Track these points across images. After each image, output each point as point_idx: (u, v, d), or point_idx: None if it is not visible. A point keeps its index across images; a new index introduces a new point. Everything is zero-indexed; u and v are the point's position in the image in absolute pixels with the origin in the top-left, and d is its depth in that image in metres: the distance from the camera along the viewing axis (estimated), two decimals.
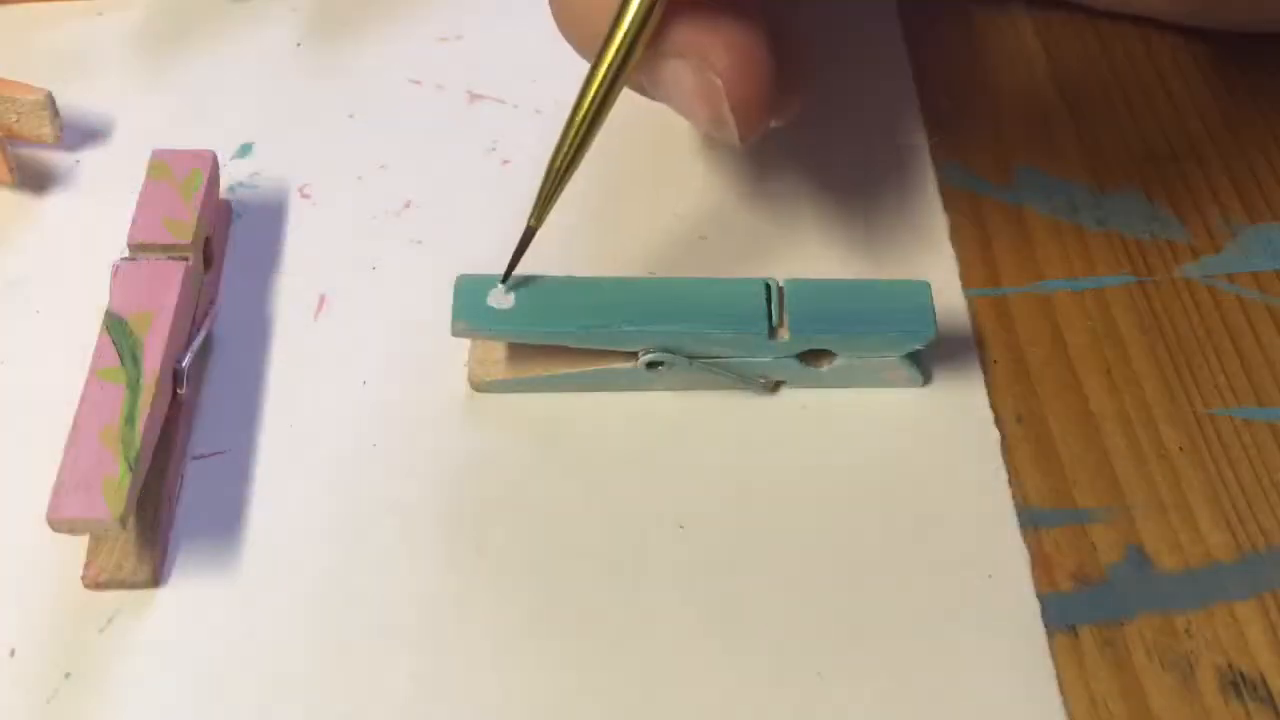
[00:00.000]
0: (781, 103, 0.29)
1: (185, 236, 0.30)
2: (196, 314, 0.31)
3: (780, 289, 0.30)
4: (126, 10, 0.40)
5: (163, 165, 0.32)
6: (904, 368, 0.31)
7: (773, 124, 0.29)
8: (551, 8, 0.30)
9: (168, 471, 0.29)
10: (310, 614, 0.28)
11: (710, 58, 0.27)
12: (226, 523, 0.29)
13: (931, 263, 0.34)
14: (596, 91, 0.28)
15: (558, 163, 0.29)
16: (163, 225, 0.30)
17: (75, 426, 0.27)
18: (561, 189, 0.29)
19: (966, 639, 0.27)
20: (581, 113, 0.28)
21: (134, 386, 0.27)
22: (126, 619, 0.27)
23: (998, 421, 0.31)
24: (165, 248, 0.30)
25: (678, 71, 0.28)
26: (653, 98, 0.30)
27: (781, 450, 0.30)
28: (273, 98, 0.38)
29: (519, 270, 0.30)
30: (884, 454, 0.30)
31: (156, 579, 0.28)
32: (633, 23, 0.27)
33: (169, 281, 0.29)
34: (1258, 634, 0.28)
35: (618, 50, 0.27)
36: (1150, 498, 0.30)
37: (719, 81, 0.27)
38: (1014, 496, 0.30)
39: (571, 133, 0.28)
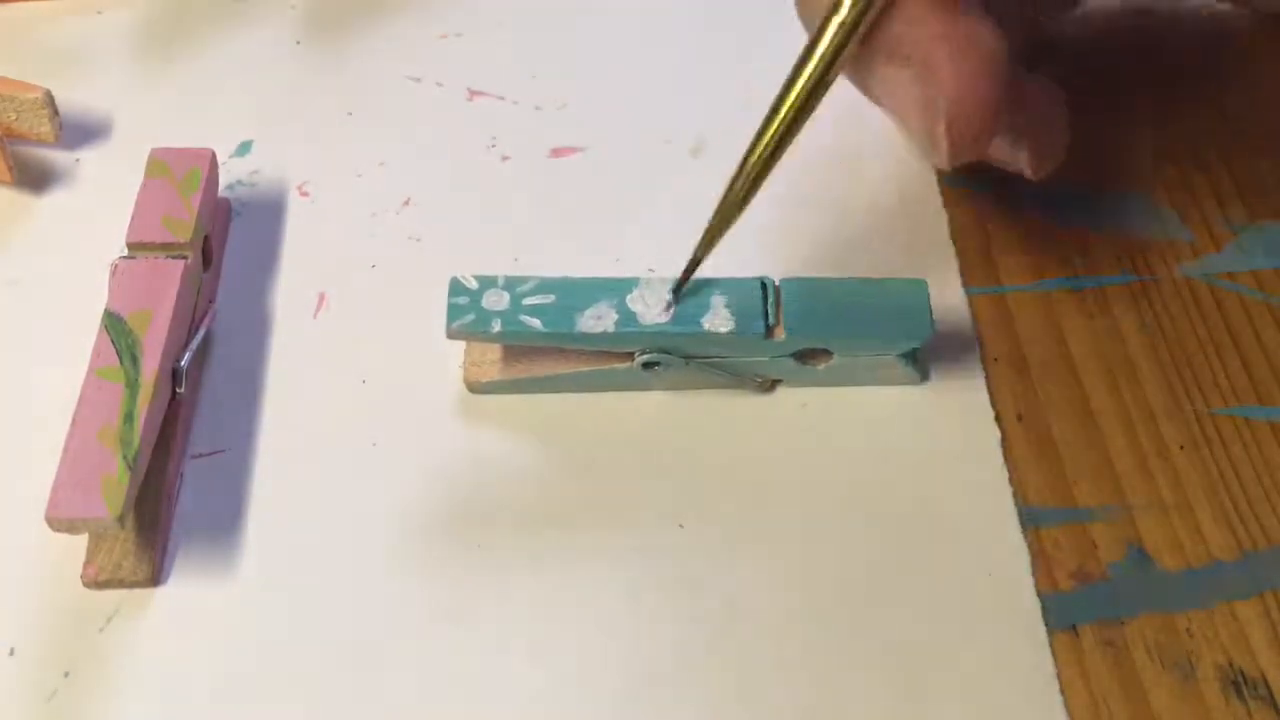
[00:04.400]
0: (1015, 144, 0.25)
1: (184, 235, 0.30)
2: (195, 312, 0.31)
3: (776, 288, 0.30)
4: (126, 9, 0.39)
5: (162, 163, 0.32)
6: (901, 366, 0.30)
7: (1011, 167, 0.25)
8: None
9: (167, 470, 0.29)
10: (309, 613, 0.28)
11: (933, 67, 0.23)
12: (226, 522, 0.29)
13: (932, 261, 0.34)
14: (800, 92, 0.25)
15: (735, 189, 0.27)
16: (161, 224, 0.30)
17: (74, 425, 0.27)
18: (739, 215, 0.28)
19: (966, 639, 0.27)
20: (779, 117, 0.26)
21: (133, 385, 0.27)
22: (126, 618, 0.27)
23: (998, 420, 0.31)
24: (164, 246, 0.30)
25: (894, 78, 0.24)
26: (867, 97, 0.26)
27: (780, 449, 0.30)
28: (272, 95, 0.37)
29: (516, 270, 0.30)
30: (884, 452, 0.30)
31: (156, 578, 0.28)
32: (851, 8, 0.23)
33: (168, 280, 0.29)
34: (1259, 633, 0.28)
35: (830, 41, 0.24)
36: (1151, 497, 0.30)
37: (940, 98, 0.23)
38: (1014, 495, 0.30)
39: (759, 150, 0.26)
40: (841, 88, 0.27)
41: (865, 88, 0.26)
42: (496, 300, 0.29)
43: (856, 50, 0.25)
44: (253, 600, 0.28)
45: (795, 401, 0.31)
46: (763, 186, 0.27)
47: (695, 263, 0.29)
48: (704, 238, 0.28)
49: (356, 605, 0.28)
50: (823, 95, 0.26)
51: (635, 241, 0.34)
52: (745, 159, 0.27)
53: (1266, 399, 0.31)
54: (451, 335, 0.29)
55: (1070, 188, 0.36)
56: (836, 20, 0.24)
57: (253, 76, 0.38)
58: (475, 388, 0.31)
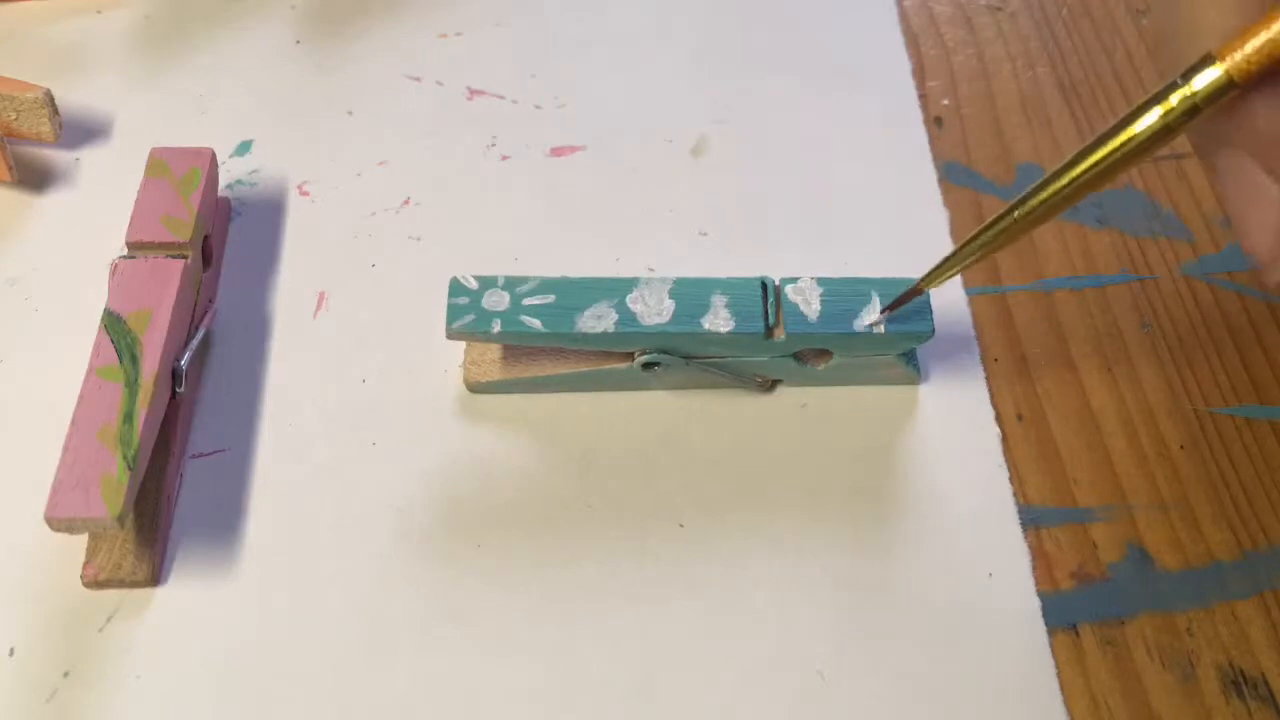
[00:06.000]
0: None
1: (184, 234, 0.30)
2: (195, 312, 0.31)
3: (777, 288, 0.30)
4: (126, 8, 0.39)
5: (161, 163, 0.32)
6: (901, 366, 0.30)
7: None
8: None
9: (167, 470, 0.29)
10: (309, 612, 0.27)
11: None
12: (226, 522, 0.29)
13: (932, 260, 0.34)
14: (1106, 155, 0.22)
15: (987, 235, 0.25)
16: (161, 223, 0.30)
17: (74, 425, 0.27)
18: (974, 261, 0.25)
19: (967, 638, 0.27)
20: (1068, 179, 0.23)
21: (132, 385, 0.27)
22: (126, 618, 0.27)
23: (998, 420, 0.31)
24: (164, 246, 0.30)
25: (1241, 170, 0.21)
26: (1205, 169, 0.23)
27: (780, 449, 0.30)
28: (272, 95, 0.37)
29: (516, 270, 0.29)
30: (884, 452, 0.30)
31: (155, 578, 0.28)
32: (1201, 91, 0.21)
33: (168, 280, 0.29)
34: (1259, 633, 0.28)
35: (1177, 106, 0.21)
36: (1151, 496, 0.30)
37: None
38: (1014, 495, 0.30)
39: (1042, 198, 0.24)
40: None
41: (1205, 162, 0.23)
42: (496, 300, 0.29)
43: (1205, 123, 0.22)
44: (253, 600, 0.28)
45: (795, 401, 0.31)
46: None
47: (915, 291, 0.27)
48: (942, 267, 0.26)
49: (356, 605, 0.28)
50: (1143, 155, 0.23)
51: (635, 241, 0.34)
52: (1034, 194, 0.24)
53: (1266, 398, 0.31)
54: (451, 335, 0.29)
55: None
56: (1181, 92, 0.21)
57: (253, 76, 0.38)
58: (475, 388, 0.31)
